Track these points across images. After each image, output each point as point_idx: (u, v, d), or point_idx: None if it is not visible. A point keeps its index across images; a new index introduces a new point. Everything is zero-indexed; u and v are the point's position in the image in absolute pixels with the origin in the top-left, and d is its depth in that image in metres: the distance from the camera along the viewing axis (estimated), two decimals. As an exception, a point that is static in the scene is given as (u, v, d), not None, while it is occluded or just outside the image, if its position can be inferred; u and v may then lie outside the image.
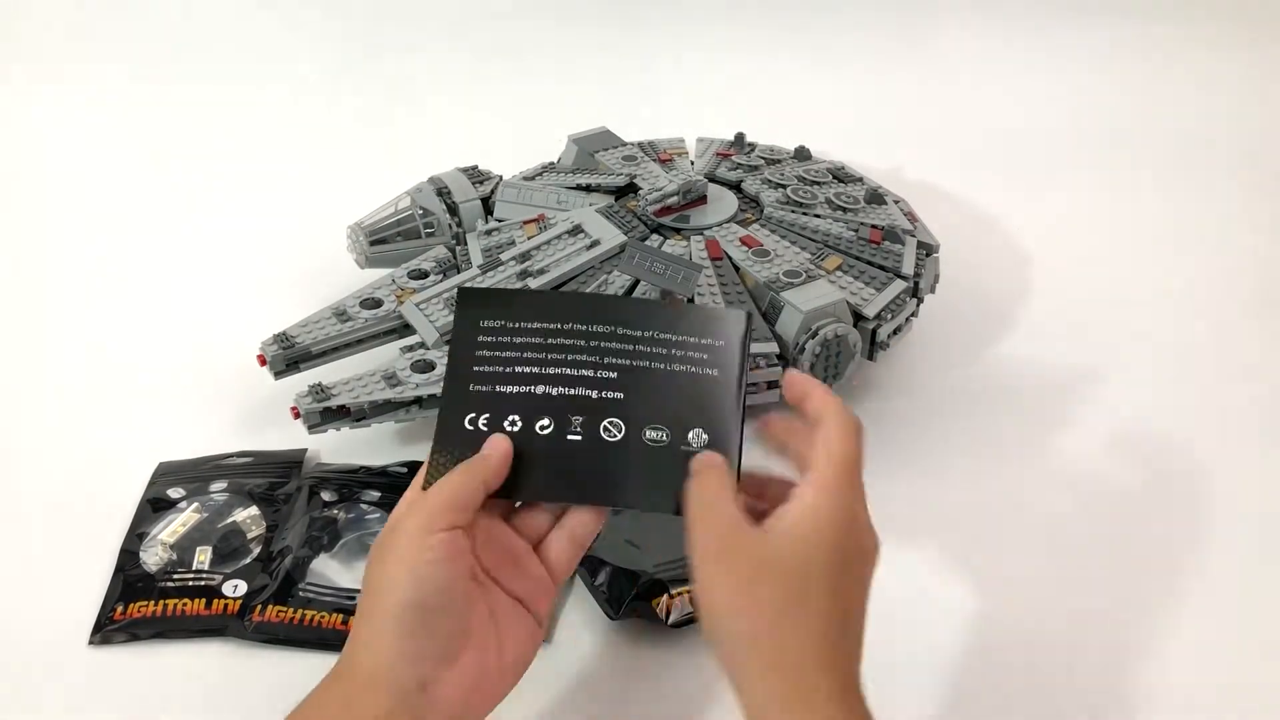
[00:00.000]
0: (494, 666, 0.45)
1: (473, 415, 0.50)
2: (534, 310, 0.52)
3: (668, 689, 0.57)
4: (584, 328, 0.51)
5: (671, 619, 0.58)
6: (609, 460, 0.49)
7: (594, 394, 0.50)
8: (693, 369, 0.51)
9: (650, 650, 0.59)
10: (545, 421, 0.50)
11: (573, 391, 0.50)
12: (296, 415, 0.68)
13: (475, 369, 0.51)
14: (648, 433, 0.49)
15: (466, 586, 0.45)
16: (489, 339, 0.51)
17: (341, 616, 0.60)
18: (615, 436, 0.49)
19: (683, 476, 0.47)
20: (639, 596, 0.58)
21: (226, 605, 0.60)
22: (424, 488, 0.47)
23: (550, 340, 0.51)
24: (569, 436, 0.49)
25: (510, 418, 0.50)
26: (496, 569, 0.47)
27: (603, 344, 0.51)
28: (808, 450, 0.46)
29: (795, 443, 0.47)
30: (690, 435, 0.49)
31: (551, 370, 0.51)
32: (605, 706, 0.56)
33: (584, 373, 0.51)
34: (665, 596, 0.58)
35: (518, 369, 0.51)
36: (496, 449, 0.48)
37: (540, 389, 0.50)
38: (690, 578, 0.45)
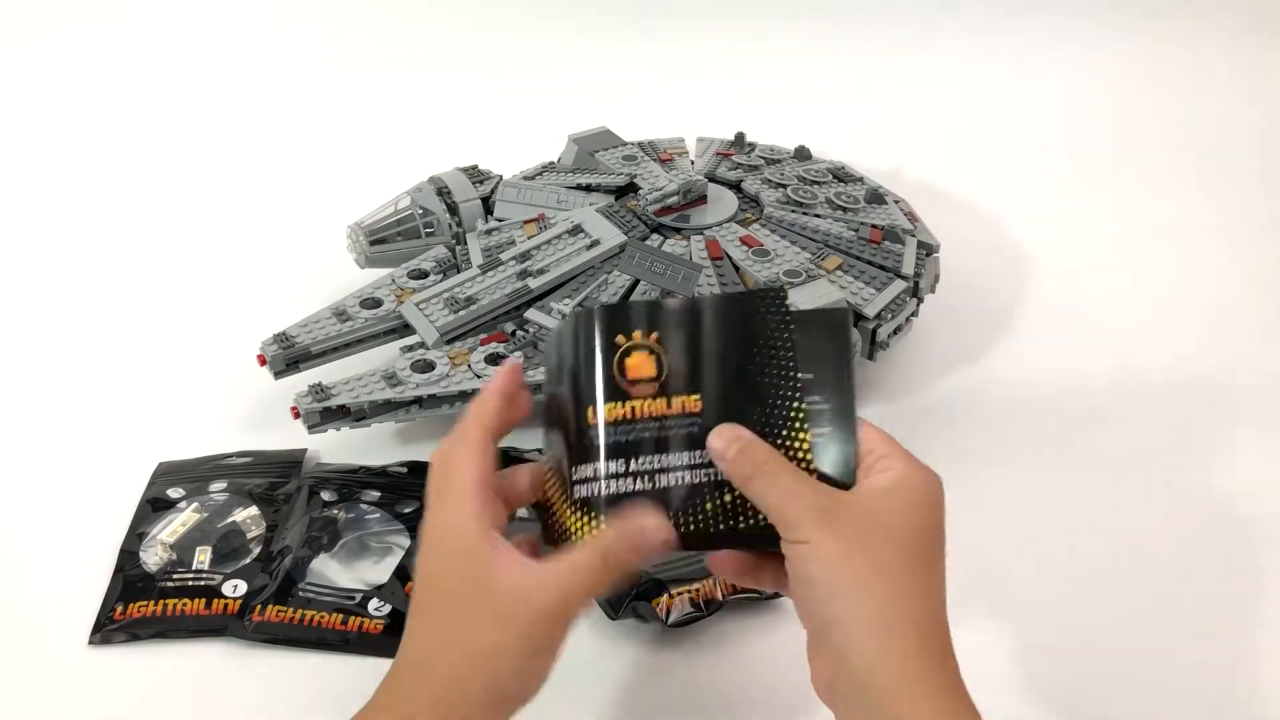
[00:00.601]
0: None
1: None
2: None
3: (667, 689, 0.57)
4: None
5: (671, 619, 0.58)
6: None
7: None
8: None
9: (650, 650, 0.59)
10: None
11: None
12: (296, 415, 0.68)
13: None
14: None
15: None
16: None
17: (341, 616, 0.60)
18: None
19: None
20: (639, 596, 0.58)
21: (226, 605, 0.60)
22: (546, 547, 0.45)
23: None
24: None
25: None
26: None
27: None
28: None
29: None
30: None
31: None
32: (605, 707, 0.56)
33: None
34: (665, 596, 0.58)
35: None
36: (658, 535, 0.43)
37: None
38: (792, 551, 0.42)
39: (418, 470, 0.69)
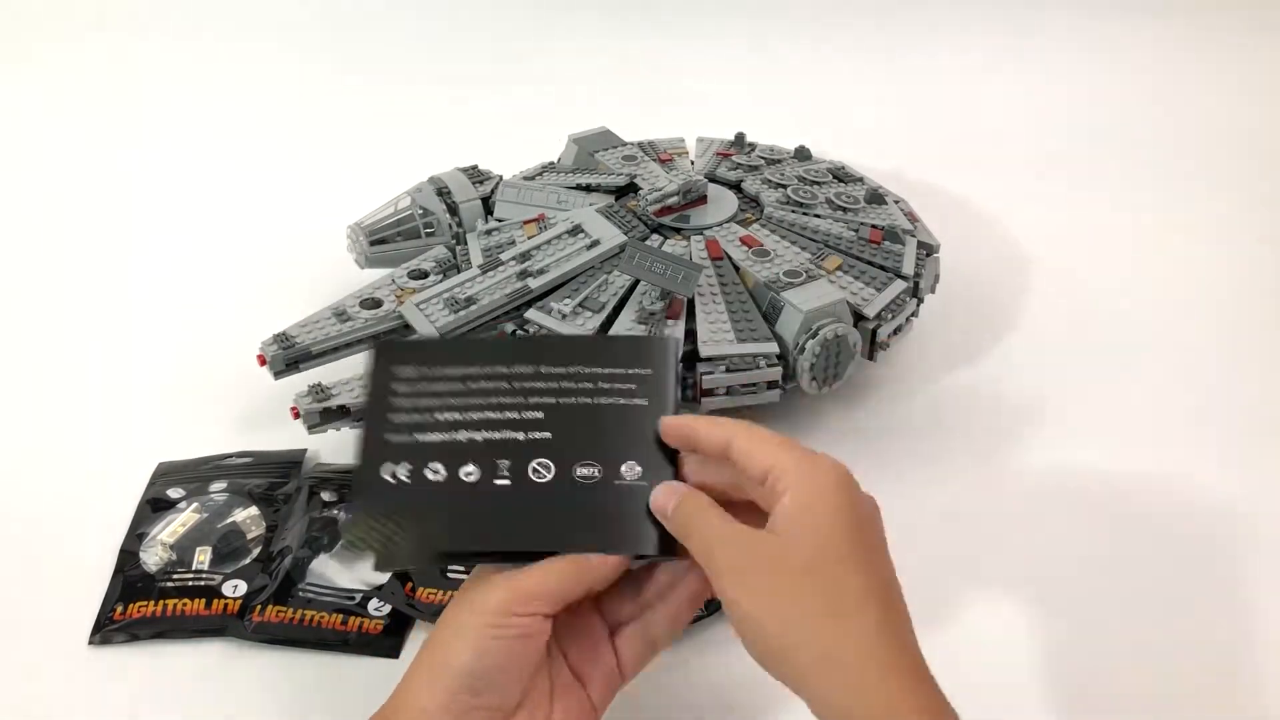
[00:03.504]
0: None
1: (390, 465, 0.48)
2: (452, 357, 0.51)
3: (666, 688, 0.57)
4: (505, 369, 0.50)
5: None
6: (542, 502, 0.47)
7: (520, 435, 0.49)
8: (620, 400, 0.50)
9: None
10: (470, 468, 0.48)
11: (498, 435, 0.49)
12: (296, 415, 0.68)
13: (391, 418, 0.49)
14: (578, 470, 0.48)
15: (536, 660, 0.45)
16: (406, 389, 0.50)
17: (341, 616, 0.60)
18: (544, 477, 0.48)
19: (632, 515, 0.47)
20: None
21: (226, 605, 0.60)
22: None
23: (471, 385, 0.50)
24: (496, 481, 0.48)
25: (432, 465, 0.48)
26: (568, 642, 0.48)
27: (526, 384, 0.50)
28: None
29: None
30: (623, 469, 0.48)
31: (474, 415, 0.49)
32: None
33: (508, 415, 0.49)
34: None
35: (438, 416, 0.49)
36: (611, 559, 0.46)
37: (463, 435, 0.49)
38: (725, 608, 0.43)
39: None
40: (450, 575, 0.61)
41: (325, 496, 0.67)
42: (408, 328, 0.74)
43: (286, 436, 0.71)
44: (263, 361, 0.72)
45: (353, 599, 0.60)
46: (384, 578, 0.62)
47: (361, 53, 1.27)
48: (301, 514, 0.66)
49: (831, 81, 1.24)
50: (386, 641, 0.59)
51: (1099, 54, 1.26)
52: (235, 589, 0.61)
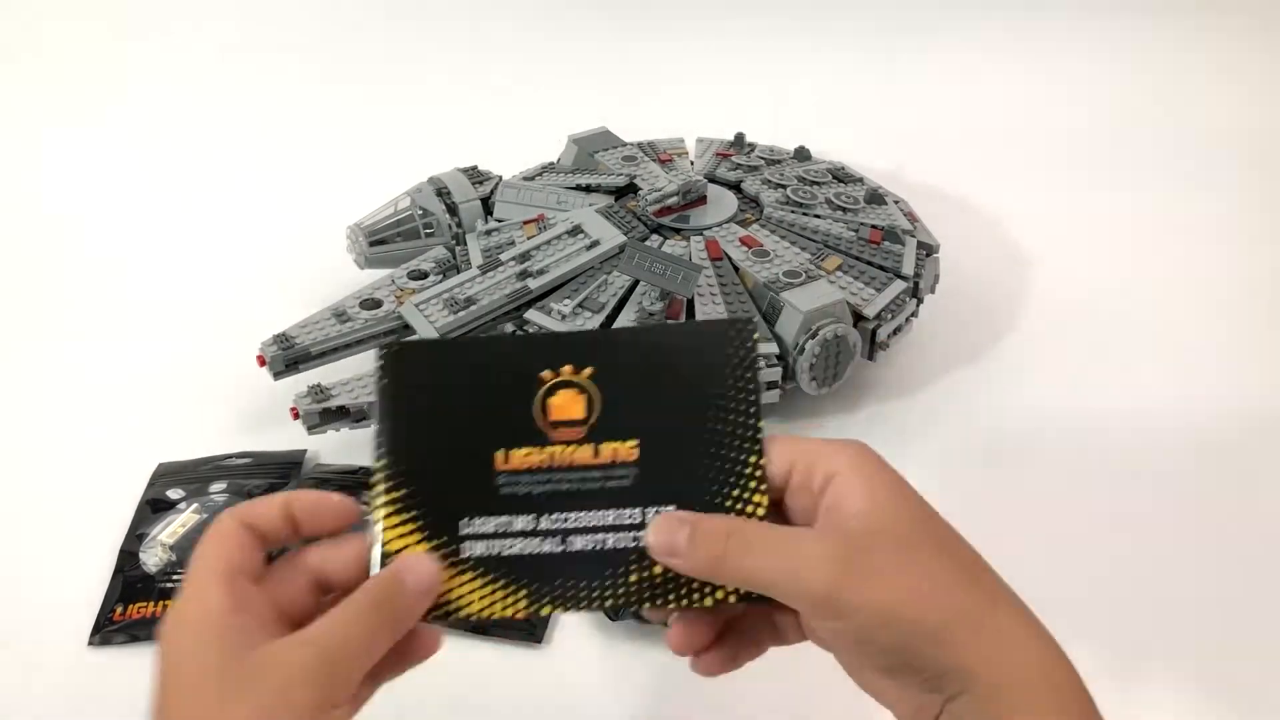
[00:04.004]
0: None
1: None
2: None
3: (666, 691, 0.57)
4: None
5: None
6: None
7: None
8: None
9: (649, 652, 0.59)
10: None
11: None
12: (296, 416, 0.68)
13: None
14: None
15: None
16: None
17: None
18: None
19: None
20: None
21: None
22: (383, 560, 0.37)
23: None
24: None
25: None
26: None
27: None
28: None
29: None
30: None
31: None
32: (603, 709, 0.56)
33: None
34: None
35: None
36: (426, 582, 0.37)
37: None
38: (841, 617, 0.35)
39: None
40: None
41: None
42: (408, 328, 0.74)
43: (286, 437, 0.71)
44: (262, 362, 0.72)
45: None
46: None
47: (362, 53, 1.27)
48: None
49: (831, 81, 1.24)
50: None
51: (1099, 54, 1.25)
52: None
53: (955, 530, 0.38)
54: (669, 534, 0.36)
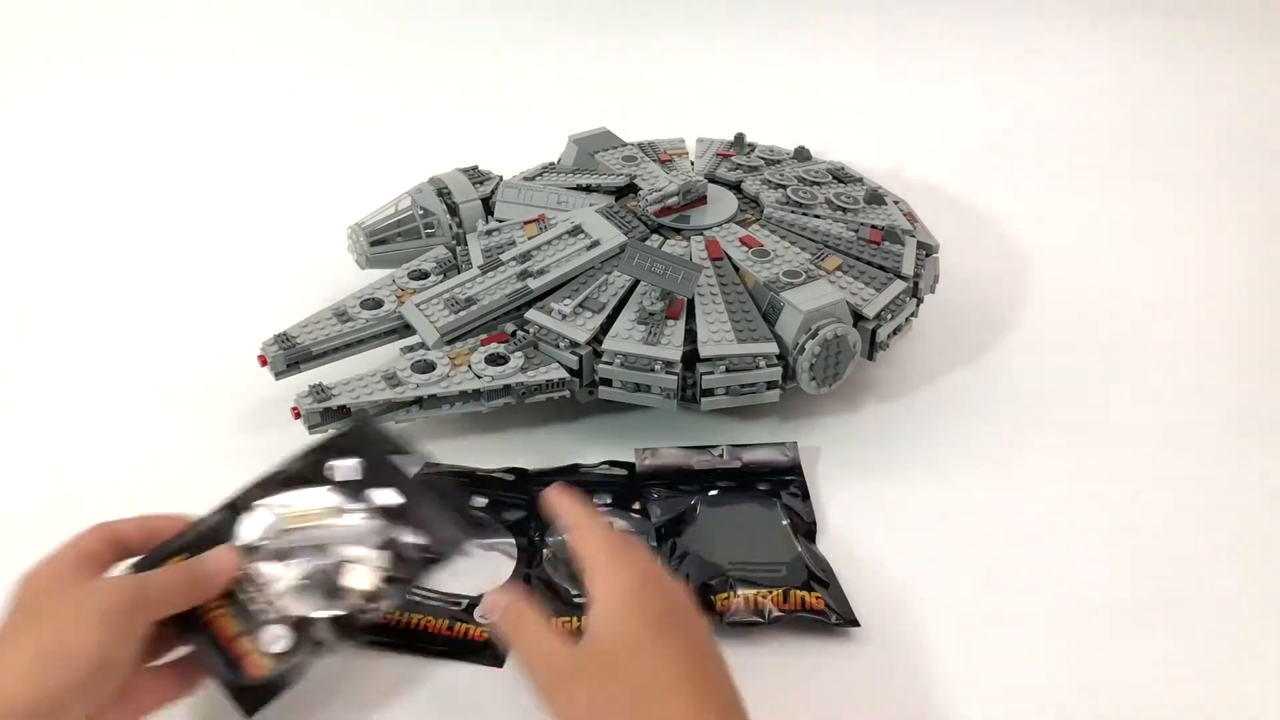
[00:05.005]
0: None
1: None
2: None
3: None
4: None
5: (728, 618, 0.58)
6: None
7: None
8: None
9: None
10: None
11: None
12: (297, 415, 0.68)
13: None
14: None
15: (133, 665, 0.46)
16: None
17: (447, 621, 0.59)
18: None
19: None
20: (706, 588, 0.59)
21: None
22: None
23: None
24: None
25: None
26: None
27: None
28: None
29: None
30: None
31: None
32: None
33: None
34: (729, 594, 0.59)
35: None
36: (225, 566, 0.50)
37: None
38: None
39: (523, 477, 0.69)
40: (577, 601, 0.60)
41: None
42: (408, 328, 0.74)
43: (287, 437, 0.71)
44: (263, 362, 0.72)
45: (459, 604, 0.60)
46: (494, 584, 0.61)
47: (362, 53, 1.27)
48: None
49: (831, 81, 1.24)
50: (490, 650, 0.58)
51: (1099, 54, 1.26)
52: None
53: (668, 658, 0.45)
54: (490, 606, 0.51)
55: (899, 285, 0.75)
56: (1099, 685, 0.57)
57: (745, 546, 0.63)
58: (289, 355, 0.72)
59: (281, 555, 0.53)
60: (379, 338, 0.75)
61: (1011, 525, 0.67)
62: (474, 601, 0.61)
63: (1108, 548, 0.65)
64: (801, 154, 0.93)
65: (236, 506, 0.55)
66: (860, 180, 0.89)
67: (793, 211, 0.83)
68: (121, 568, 0.51)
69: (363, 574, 0.53)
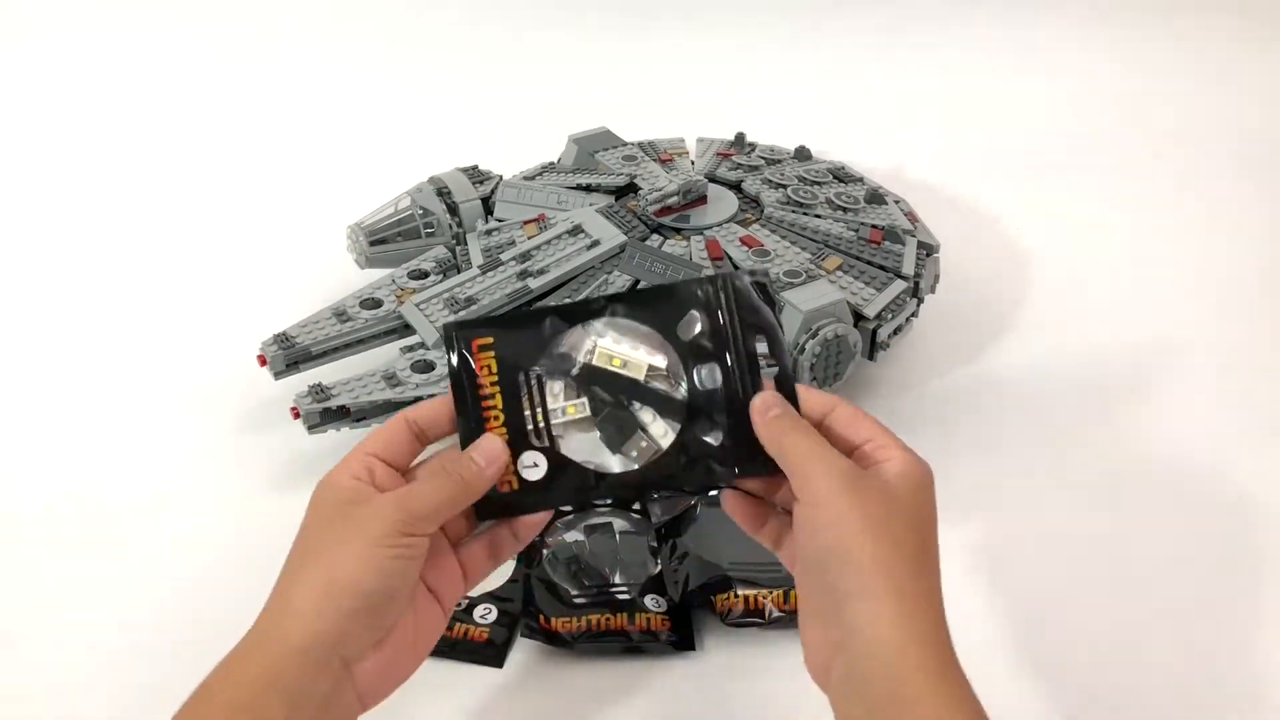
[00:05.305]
0: (408, 649, 0.45)
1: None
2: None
3: (623, 715, 0.57)
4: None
5: (730, 618, 0.59)
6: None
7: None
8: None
9: (603, 675, 0.58)
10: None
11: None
12: (296, 415, 0.68)
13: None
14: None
15: (416, 578, 0.45)
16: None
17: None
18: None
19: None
20: (707, 588, 0.60)
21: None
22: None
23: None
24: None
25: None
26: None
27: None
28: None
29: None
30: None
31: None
32: (599, 712, 0.57)
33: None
34: (730, 595, 0.59)
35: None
36: (493, 461, 0.46)
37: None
38: (800, 518, 0.43)
39: None
40: (577, 601, 0.61)
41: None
42: (408, 328, 0.74)
43: (287, 437, 0.71)
44: (263, 362, 0.72)
45: (459, 604, 0.60)
46: (492, 584, 0.61)
47: (362, 53, 1.27)
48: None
49: (831, 81, 1.24)
50: (489, 650, 0.58)
51: (1100, 54, 1.26)
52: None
53: (937, 551, 0.44)
54: (772, 401, 0.47)
55: (899, 285, 0.75)
56: (1100, 684, 0.57)
57: (745, 546, 0.62)
58: (288, 355, 0.72)
59: (580, 385, 0.48)
60: (379, 338, 0.75)
61: (1012, 525, 0.67)
62: (474, 601, 0.61)
63: (1108, 547, 0.65)
64: (802, 154, 0.93)
65: (574, 315, 0.48)
66: (860, 180, 0.89)
67: (793, 211, 0.83)
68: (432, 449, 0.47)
69: (648, 445, 0.47)
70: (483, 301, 0.73)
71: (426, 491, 0.45)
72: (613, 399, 0.47)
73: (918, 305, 0.78)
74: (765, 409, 0.46)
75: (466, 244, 0.82)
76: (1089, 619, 0.61)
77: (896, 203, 0.86)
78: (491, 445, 0.46)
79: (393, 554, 0.43)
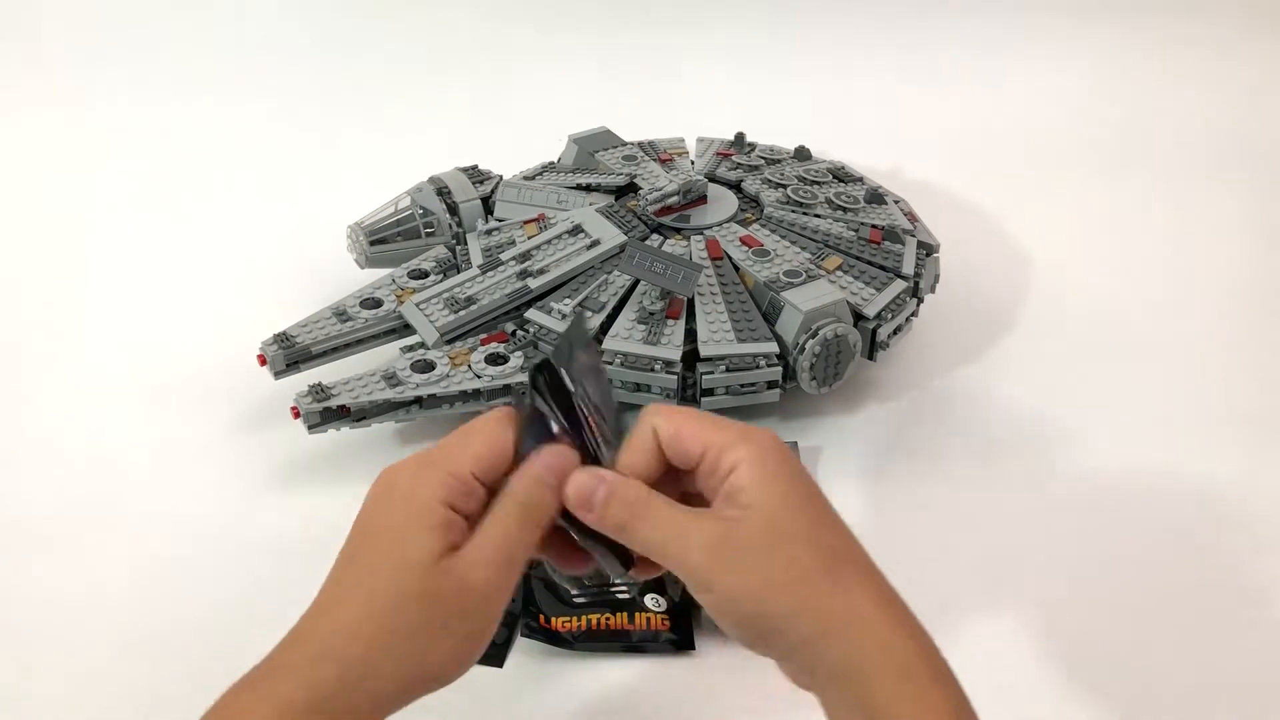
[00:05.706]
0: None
1: None
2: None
3: (619, 715, 0.57)
4: None
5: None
6: None
7: None
8: None
9: (602, 675, 0.58)
10: None
11: None
12: (297, 415, 0.68)
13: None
14: None
15: None
16: None
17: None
18: None
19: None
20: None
21: None
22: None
23: None
24: None
25: None
26: None
27: None
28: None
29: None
30: None
31: None
32: (599, 712, 0.57)
33: None
34: None
35: None
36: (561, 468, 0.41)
37: None
38: (699, 593, 0.40)
39: None
40: (577, 600, 0.60)
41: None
42: (408, 327, 0.74)
43: (286, 436, 0.71)
44: (263, 361, 0.72)
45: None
46: None
47: (362, 52, 1.27)
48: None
49: (831, 81, 1.23)
50: (490, 650, 0.58)
51: (1099, 54, 1.25)
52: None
53: (835, 520, 0.41)
54: (586, 490, 0.41)
55: (899, 285, 0.75)
56: (1099, 685, 0.57)
57: None
58: (288, 355, 0.72)
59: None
60: (379, 337, 0.75)
61: (1012, 524, 0.67)
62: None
63: (1109, 547, 0.65)
64: (802, 153, 0.93)
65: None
66: (860, 180, 0.89)
67: (793, 211, 0.83)
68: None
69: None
70: (483, 301, 0.73)
71: (518, 535, 0.41)
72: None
73: (917, 305, 0.78)
74: (585, 502, 0.41)
75: (466, 244, 0.82)
76: (1090, 618, 0.61)
77: (896, 203, 0.86)
78: (556, 455, 0.42)
79: (440, 611, 0.40)
